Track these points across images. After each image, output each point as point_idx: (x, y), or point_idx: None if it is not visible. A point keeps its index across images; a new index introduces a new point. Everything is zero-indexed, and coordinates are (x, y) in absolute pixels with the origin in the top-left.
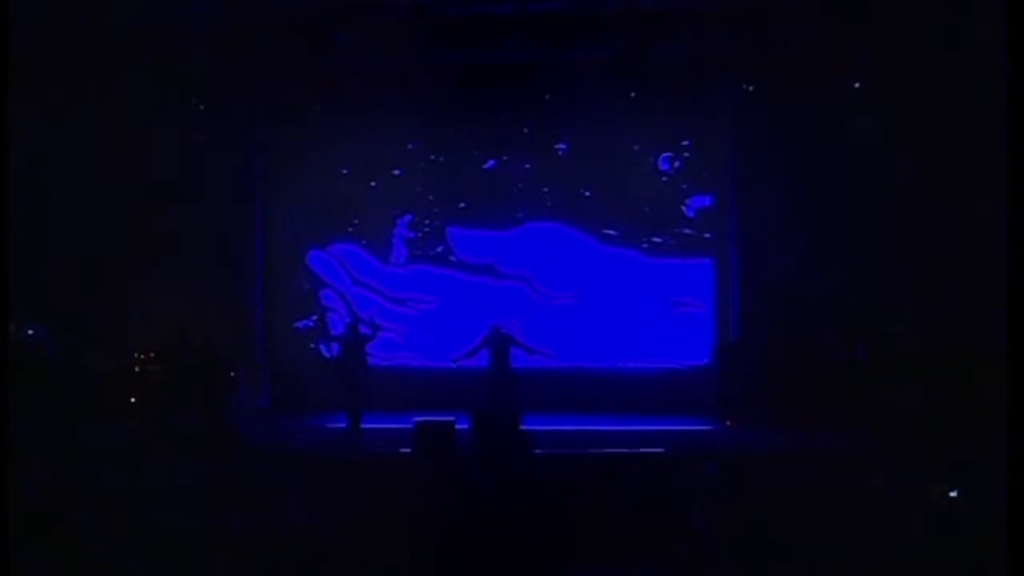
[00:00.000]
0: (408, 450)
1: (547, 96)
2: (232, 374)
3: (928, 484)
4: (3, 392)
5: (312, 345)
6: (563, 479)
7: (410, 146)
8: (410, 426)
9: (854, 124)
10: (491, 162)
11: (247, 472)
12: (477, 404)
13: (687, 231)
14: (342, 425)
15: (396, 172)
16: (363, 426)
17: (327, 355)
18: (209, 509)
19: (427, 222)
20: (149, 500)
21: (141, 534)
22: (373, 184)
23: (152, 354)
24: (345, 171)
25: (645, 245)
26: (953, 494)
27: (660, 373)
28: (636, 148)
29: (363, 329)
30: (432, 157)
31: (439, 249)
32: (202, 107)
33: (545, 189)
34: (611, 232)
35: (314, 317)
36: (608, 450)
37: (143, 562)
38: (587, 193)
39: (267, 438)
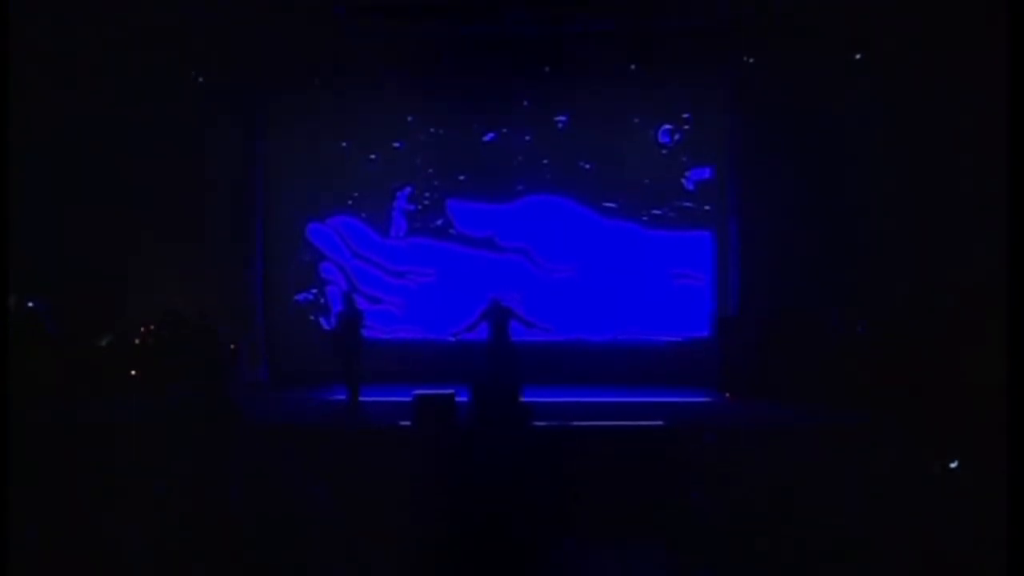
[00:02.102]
0: (408, 423)
1: (547, 68)
2: (232, 347)
3: (929, 456)
4: (3, 372)
5: (312, 318)
6: (563, 451)
7: (409, 119)
8: (410, 399)
9: (855, 96)
10: (491, 135)
11: (246, 446)
12: (477, 377)
13: (687, 204)
14: (342, 398)
15: (396, 145)
16: (362, 399)
17: (326, 328)
18: (208, 484)
19: (427, 195)
20: (147, 476)
21: (141, 509)
22: (372, 157)
23: (152, 327)
24: (344, 144)
25: (645, 218)
26: (953, 466)
27: (660, 346)
28: (636, 120)
29: (361, 303)
30: (432, 130)
31: (439, 222)
32: (201, 80)
33: (545, 162)
34: (611, 205)
35: (313, 290)
36: (607, 422)
37: (143, 535)
38: (587, 166)
39: (267, 411)
